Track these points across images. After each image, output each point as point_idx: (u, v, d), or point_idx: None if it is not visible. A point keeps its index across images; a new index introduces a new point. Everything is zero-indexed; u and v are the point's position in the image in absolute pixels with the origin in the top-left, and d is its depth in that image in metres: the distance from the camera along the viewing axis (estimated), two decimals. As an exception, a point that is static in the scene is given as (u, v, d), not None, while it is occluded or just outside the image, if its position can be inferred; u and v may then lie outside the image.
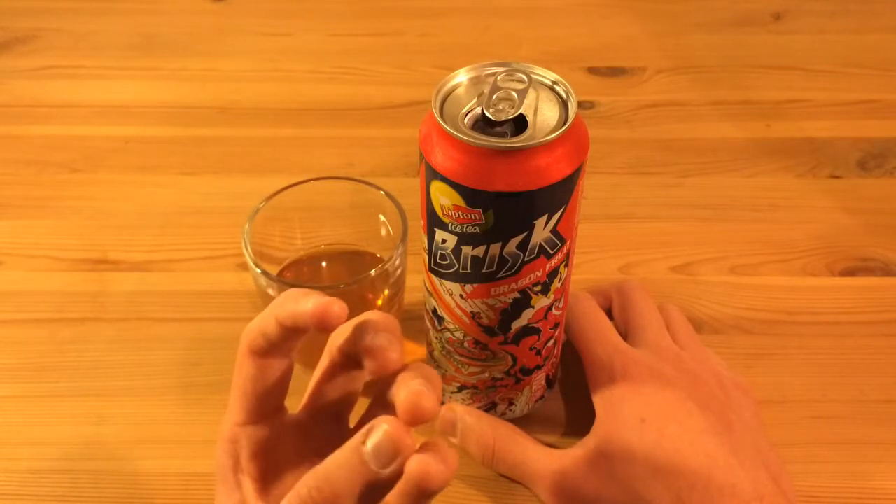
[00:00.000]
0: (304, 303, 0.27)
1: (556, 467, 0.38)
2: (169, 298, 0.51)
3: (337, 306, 0.27)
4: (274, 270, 0.45)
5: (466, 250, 0.34)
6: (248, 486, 0.32)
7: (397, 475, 0.26)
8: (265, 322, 0.29)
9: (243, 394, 0.31)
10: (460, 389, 0.42)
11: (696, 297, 0.51)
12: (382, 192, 0.45)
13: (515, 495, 0.41)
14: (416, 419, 0.26)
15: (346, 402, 0.34)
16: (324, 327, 0.27)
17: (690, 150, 0.62)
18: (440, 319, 0.39)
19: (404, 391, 0.27)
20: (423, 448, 0.26)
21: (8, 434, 0.44)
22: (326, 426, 0.33)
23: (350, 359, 0.30)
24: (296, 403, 0.34)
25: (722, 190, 0.59)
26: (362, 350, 0.28)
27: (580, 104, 0.34)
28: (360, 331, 0.29)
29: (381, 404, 0.31)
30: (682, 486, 0.35)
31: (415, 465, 0.26)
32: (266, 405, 0.32)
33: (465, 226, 0.33)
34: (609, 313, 0.45)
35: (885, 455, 0.43)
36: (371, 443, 0.26)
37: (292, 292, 0.29)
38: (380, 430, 0.26)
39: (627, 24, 0.77)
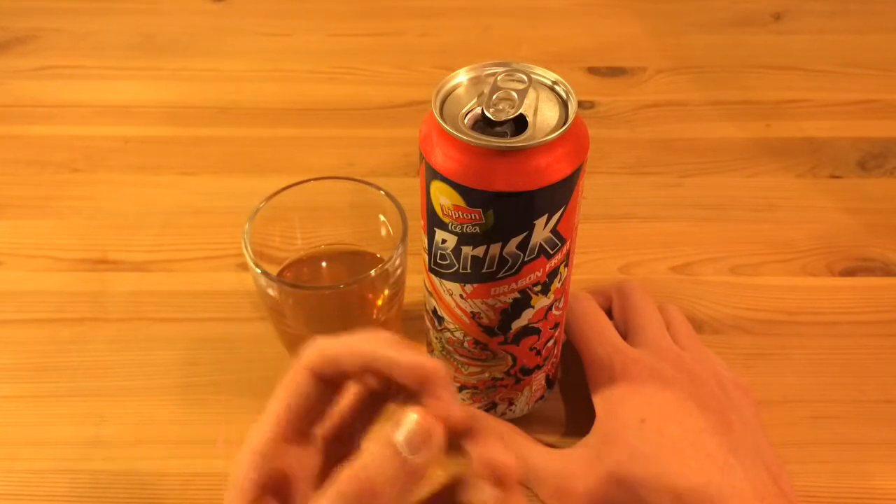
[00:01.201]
0: (405, 355, 0.28)
1: (556, 467, 0.38)
2: (169, 298, 0.51)
3: (442, 371, 0.28)
4: (274, 270, 0.45)
5: (466, 250, 0.34)
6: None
7: (429, 463, 0.27)
8: (342, 354, 0.29)
9: (287, 408, 0.30)
10: (460, 389, 0.42)
11: (696, 297, 0.51)
12: (382, 192, 0.45)
13: (515, 495, 0.41)
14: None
15: (366, 426, 0.34)
16: (420, 387, 0.28)
17: (690, 150, 0.62)
18: (440, 319, 0.39)
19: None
20: None
21: (8, 434, 0.44)
22: (343, 449, 0.33)
23: (386, 386, 0.31)
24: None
25: (722, 190, 0.59)
26: (423, 398, 0.28)
27: (580, 104, 0.34)
28: (417, 376, 0.29)
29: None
30: (681, 487, 0.35)
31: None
32: (304, 425, 0.31)
33: (465, 226, 0.33)
34: (609, 313, 0.45)
35: (885, 455, 0.43)
36: (402, 432, 0.27)
37: (382, 338, 0.29)
38: (410, 420, 0.27)
39: (627, 24, 0.77)
